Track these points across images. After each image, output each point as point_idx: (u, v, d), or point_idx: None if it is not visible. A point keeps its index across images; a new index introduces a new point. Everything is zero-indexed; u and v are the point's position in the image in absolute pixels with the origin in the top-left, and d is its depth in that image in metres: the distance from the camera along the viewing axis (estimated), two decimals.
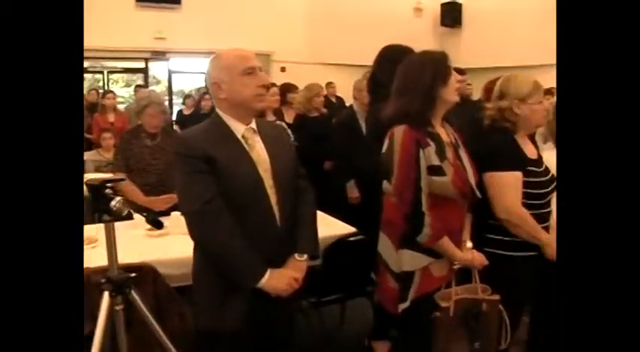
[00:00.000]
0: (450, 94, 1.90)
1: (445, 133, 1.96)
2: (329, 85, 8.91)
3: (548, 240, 2.13)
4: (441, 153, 1.86)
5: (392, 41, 2.52)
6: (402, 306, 1.91)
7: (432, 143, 1.85)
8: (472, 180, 1.94)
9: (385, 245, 1.99)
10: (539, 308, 2.64)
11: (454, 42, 11.47)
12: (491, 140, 2.15)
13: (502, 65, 9.88)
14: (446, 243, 1.88)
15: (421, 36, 11.23)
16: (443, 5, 11.46)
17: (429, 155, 1.83)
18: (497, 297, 1.98)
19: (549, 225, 2.19)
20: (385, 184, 1.97)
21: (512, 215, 2.05)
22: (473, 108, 2.58)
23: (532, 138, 2.30)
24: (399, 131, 1.85)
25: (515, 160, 2.07)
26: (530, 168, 2.09)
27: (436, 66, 1.89)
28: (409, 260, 1.90)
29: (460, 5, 11.41)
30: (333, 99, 8.67)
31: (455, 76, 1.91)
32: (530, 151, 2.16)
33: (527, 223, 2.07)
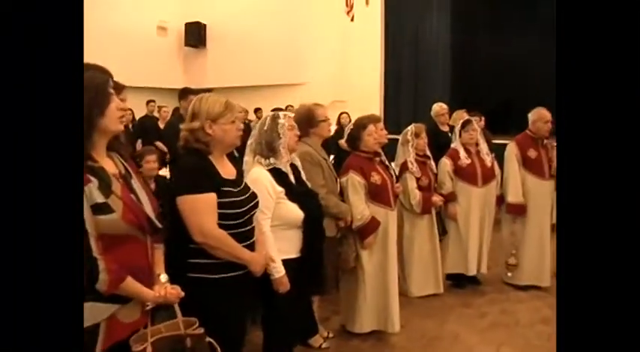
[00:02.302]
0: (111, 124, 1.70)
1: (113, 164, 1.76)
2: None
3: (252, 257, 2.16)
4: (105, 188, 1.64)
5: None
6: None
7: (93, 179, 1.62)
8: (150, 211, 1.77)
9: None
10: (268, 319, 2.72)
11: (199, 62, 11.56)
12: (184, 162, 2.10)
13: (246, 84, 10.27)
14: (130, 284, 1.68)
15: (166, 55, 11.09)
16: (187, 25, 11.47)
17: (91, 193, 1.60)
18: (201, 331, 1.84)
19: (255, 241, 2.23)
20: None
21: (209, 237, 2.03)
22: None
23: (231, 156, 2.32)
24: None
25: (208, 182, 2.05)
26: (225, 188, 2.08)
27: (96, 92, 1.65)
28: (90, 312, 1.61)
29: (204, 25, 11.53)
30: None
31: (117, 103, 1.70)
32: (226, 171, 2.16)
33: (226, 244, 2.07)
